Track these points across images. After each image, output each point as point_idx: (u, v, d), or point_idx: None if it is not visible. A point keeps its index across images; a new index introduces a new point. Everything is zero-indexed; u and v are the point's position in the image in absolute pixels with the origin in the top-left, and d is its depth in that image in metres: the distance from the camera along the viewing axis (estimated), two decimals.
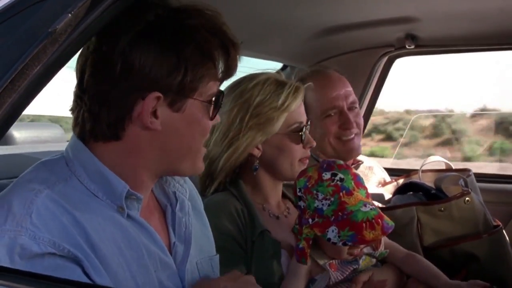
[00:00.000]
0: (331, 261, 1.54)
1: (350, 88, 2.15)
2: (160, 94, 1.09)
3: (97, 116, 1.11)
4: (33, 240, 0.97)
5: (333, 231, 1.44)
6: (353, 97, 2.13)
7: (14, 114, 1.04)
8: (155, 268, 1.15)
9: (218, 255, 1.41)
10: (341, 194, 1.49)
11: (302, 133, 1.72)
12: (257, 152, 1.73)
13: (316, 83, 2.05)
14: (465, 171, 2.17)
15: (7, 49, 1.05)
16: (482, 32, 2.42)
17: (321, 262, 1.55)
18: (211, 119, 1.20)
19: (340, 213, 1.45)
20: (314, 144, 1.76)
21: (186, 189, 1.35)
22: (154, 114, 1.10)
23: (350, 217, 1.44)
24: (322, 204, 1.49)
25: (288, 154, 1.73)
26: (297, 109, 1.73)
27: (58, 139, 2.79)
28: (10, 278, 0.94)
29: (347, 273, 1.54)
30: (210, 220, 1.57)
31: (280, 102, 1.69)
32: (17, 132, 2.56)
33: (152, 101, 1.09)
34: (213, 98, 1.18)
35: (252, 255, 1.63)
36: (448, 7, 2.14)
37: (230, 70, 1.23)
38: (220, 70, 1.20)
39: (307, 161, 1.77)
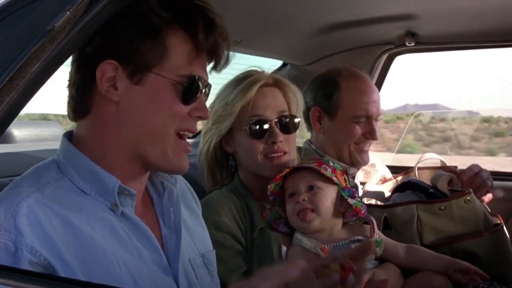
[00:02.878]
0: (322, 246, 1.56)
1: (379, 96, 2.16)
2: (115, 62, 1.09)
3: (70, 91, 1.16)
4: (14, 243, 0.98)
5: None
6: (380, 109, 2.15)
7: (13, 112, 1.04)
8: (147, 268, 1.14)
9: (212, 252, 1.40)
10: None
11: (261, 127, 1.73)
12: (229, 149, 1.80)
13: (354, 84, 2.09)
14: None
15: (6, 47, 1.05)
16: (482, 29, 2.41)
17: (312, 247, 1.57)
18: (184, 103, 1.14)
19: None
20: (279, 138, 1.73)
21: (176, 180, 1.33)
22: (114, 86, 1.11)
23: None
24: None
25: (249, 149, 1.76)
26: (256, 104, 1.74)
27: (58, 138, 2.78)
28: (10, 276, 0.94)
29: None
30: (209, 217, 1.57)
31: (230, 99, 1.75)
32: (16, 131, 2.55)
33: (108, 68, 1.09)
34: (186, 80, 1.13)
35: (252, 252, 1.63)
36: (448, 4, 2.13)
37: (215, 56, 1.17)
38: (202, 55, 1.15)
39: (277, 157, 1.73)
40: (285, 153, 1.75)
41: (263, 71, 1.84)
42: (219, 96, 1.80)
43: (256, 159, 1.75)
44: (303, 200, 1.61)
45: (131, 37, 1.10)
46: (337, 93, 2.09)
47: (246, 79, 1.77)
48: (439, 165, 2.31)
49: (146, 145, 1.14)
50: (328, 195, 1.63)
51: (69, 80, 1.17)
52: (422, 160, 2.30)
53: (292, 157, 1.79)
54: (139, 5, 1.11)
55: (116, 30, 1.10)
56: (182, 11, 1.14)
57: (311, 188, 1.63)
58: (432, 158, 2.33)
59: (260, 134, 1.74)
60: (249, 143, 1.75)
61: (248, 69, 1.84)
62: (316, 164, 1.66)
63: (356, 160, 2.10)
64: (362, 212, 1.64)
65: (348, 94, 2.08)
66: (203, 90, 1.19)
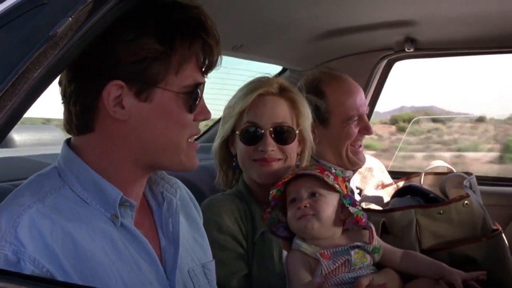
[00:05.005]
0: (322, 251, 1.57)
1: (362, 90, 2.19)
2: (121, 83, 1.09)
3: (68, 108, 1.14)
4: (15, 254, 0.98)
5: None
6: (366, 105, 2.18)
7: (14, 117, 1.04)
8: (146, 280, 1.14)
9: (212, 262, 1.39)
10: None
11: (253, 134, 1.75)
12: (233, 150, 1.83)
13: (338, 87, 2.10)
14: (467, 174, 2.18)
15: (8, 52, 1.05)
16: (481, 35, 2.42)
17: (311, 252, 1.57)
18: (190, 111, 1.16)
19: None
20: (269, 148, 1.74)
21: (176, 190, 1.33)
22: (120, 104, 1.10)
23: None
24: None
25: (240, 153, 1.79)
26: (253, 111, 1.76)
27: (58, 142, 2.78)
28: (12, 281, 0.94)
29: (339, 263, 1.56)
30: (211, 219, 1.58)
31: (233, 102, 1.80)
32: (17, 135, 2.56)
33: (113, 89, 1.09)
34: (191, 90, 1.14)
35: (253, 255, 1.64)
36: (448, 10, 2.14)
37: (210, 60, 1.18)
38: (201, 61, 1.16)
39: (267, 163, 1.74)
40: (278, 159, 1.75)
41: (270, 79, 1.83)
42: (232, 97, 1.84)
43: (246, 163, 1.77)
44: (305, 206, 1.61)
45: (138, 61, 1.09)
46: (324, 100, 2.08)
47: (250, 85, 1.79)
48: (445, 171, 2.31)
49: (160, 157, 1.16)
50: (330, 202, 1.63)
51: (64, 97, 1.15)
52: (430, 168, 2.30)
53: (289, 163, 1.77)
54: (144, 29, 1.10)
55: (121, 54, 1.09)
56: (184, 28, 1.13)
57: (313, 194, 1.63)
58: (440, 166, 2.33)
59: (251, 141, 1.75)
60: (241, 147, 1.78)
61: (259, 76, 1.86)
62: (318, 170, 1.66)
63: (355, 162, 2.12)
64: (363, 220, 1.64)
65: (335, 98, 2.08)
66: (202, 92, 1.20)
